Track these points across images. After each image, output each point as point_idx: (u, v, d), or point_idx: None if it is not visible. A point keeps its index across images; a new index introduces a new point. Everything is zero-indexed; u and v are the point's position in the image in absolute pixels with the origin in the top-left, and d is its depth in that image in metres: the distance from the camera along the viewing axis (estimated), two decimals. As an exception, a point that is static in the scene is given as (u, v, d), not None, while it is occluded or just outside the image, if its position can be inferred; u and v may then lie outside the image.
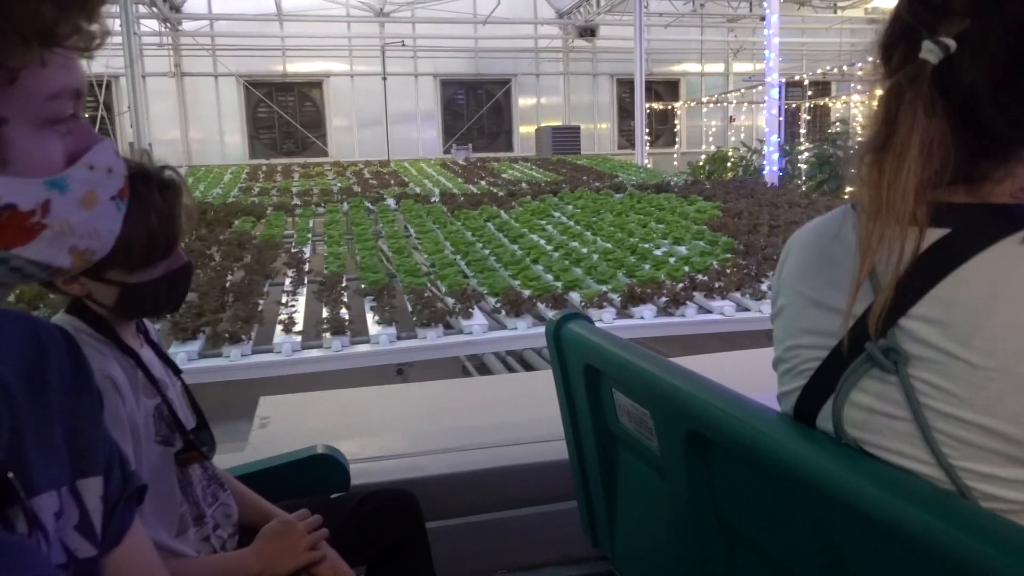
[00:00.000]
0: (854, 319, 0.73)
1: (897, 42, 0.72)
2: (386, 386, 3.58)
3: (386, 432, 2.37)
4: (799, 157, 12.91)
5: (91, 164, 0.56)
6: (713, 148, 17.38)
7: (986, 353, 0.64)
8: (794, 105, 17.91)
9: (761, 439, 0.80)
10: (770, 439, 0.79)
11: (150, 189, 1.13)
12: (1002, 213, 0.70)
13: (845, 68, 15.66)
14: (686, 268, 5.64)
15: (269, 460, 1.60)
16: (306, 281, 5.79)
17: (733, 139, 17.64)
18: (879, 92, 0.73)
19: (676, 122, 18.22)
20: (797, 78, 16.80)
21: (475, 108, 18.04)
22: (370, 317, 4.78)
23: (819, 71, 16.06)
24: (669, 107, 17.74)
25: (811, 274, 0.82)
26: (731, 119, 18.68)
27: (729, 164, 14.78)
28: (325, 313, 4.80)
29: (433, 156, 16.11)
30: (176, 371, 1.29)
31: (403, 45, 16.35)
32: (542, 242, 6.79)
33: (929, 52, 0.67)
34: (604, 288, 5.17)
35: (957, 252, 0.68)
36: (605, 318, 4.67)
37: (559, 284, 5.36)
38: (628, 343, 1.17)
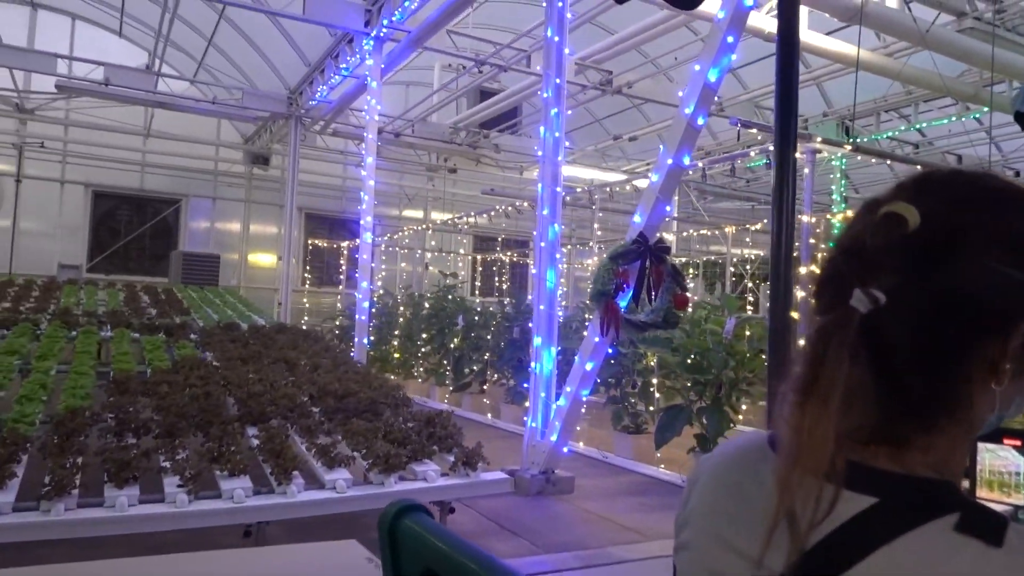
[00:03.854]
0: (767, 571, 0.67)
1: (829, 282, 0.71)
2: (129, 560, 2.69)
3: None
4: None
5: None
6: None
7: None
8: (488, 259, 17.81)
9: None
10: None
11: None
12: (930, 490, 0.65)
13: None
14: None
15: None
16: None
17: (427, 284, 16.92)
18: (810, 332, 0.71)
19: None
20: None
21: (137, 226, 16.18)
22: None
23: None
24: (336, 246, 16.74)
25: (722, 511, 0.77)
26: (426, 266, 18.10)
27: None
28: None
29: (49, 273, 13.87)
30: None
31: (42, 147, 14.48)
32: None
33: (859, 301, 0.66)
34: None
35: (884, 528, 0.63)
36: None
37: None
38: (474, 547, 1.03)
